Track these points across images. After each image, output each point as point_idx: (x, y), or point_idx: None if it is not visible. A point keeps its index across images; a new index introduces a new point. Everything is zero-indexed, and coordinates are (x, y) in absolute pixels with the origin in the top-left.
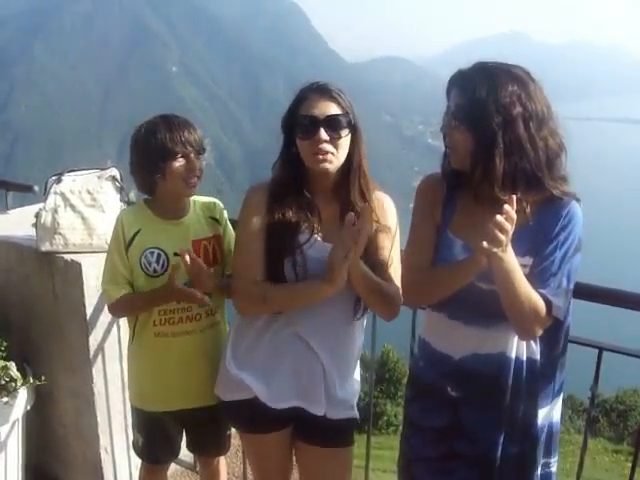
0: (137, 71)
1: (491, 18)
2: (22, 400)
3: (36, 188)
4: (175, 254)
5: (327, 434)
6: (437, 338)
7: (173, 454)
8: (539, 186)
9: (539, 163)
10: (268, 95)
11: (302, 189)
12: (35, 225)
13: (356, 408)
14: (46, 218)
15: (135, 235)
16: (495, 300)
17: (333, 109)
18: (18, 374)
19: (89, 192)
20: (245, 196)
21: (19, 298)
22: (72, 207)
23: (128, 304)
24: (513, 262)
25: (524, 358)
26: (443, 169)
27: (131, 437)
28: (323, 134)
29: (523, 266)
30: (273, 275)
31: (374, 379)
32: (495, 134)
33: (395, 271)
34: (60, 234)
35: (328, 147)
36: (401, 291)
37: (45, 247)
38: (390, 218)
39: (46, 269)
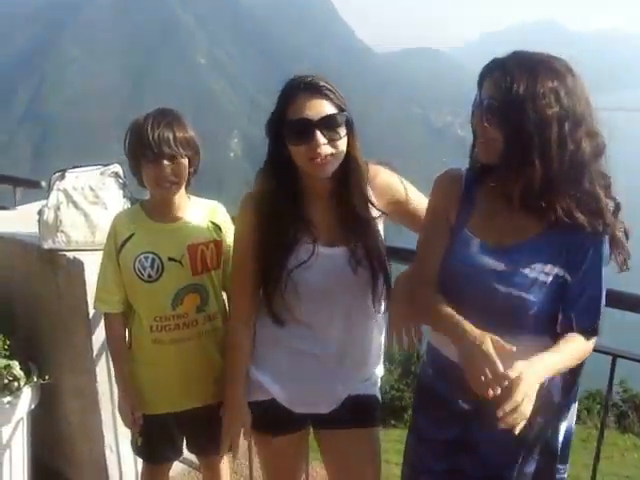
0: (165, 64)
1: (522, 6)
2: (26, 399)
3: (43, 184)
4: (170, 259)
5: (349, 415)
6: (446, 345)
7: (173, 454)
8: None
9: (563, 170)
10: None
11: (295, 197)
12: (38, 222)
13: (378, 389)
14: (48, 215)
15: (127, 240)
16: (517, 306)
17: (327, 108)
18: (21, 373)
19: (92, 189)
20: (238, 210)
21: (24, 295)
22: (75, 204)
23: (108, 336)
24: (547, 370)
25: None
26: (471, 162)
27: None
28: (320, 138)
29: (545, 274)
30: (273, 293)
31: (399, 373)
32: (531, 136)
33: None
34: (62, 232)
35: (327, 150)
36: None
37: (47, 245)
38: (397, 190)
39: (49, 267)
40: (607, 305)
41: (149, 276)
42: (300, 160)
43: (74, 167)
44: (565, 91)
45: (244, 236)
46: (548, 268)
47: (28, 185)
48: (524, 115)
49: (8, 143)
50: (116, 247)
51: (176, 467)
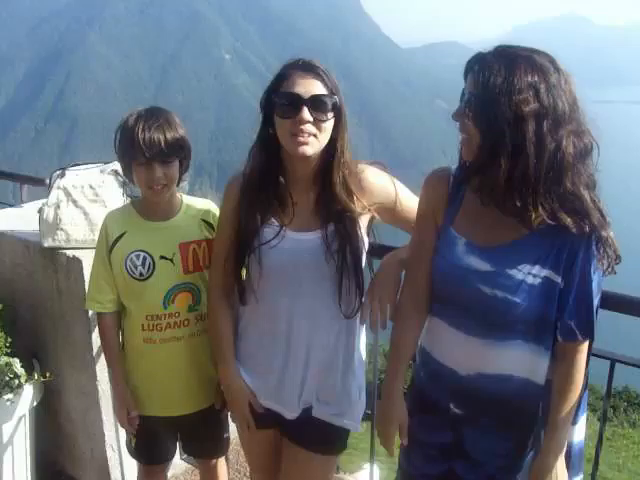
0: (190, 59)
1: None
2: (28, 396)
3: (48, 181)
4: (161, 257)
5: (313, 436)
6: (438, 348)
7: (168, 455)
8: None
9: (540, 170)
10: None
11: (277, 176)
12: (38, 220)
13: (355, 419)
14: (48, 213)
15: (119, 238)
16: (502, 309)
17: (318, 88)
18: (22, 370)
19: (91, 187)
20: (224, 193)
21: (26, 293)
22: (74, 202)
23: (101, 337)
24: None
25: (542, 382)
26: (459, 160)
27: None
28: (306, 114)
29: (533, 276)
30: (239, 270)
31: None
32: (503, 133)
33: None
34: (62, 229)
35: (310, 129)
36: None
37: (47, 243)
38: (387, 190)
39: (50, 265)
40: (606, 308)
41: (140, 274)
42: (283, 134)
43: (74, 165)
44: (546, 87)
45: (223, 214)
46: (536, 270)
47: (33, 182)
48: (498, 110)
49: (35, 139)
50: (107, 246)
51: (180, 466)
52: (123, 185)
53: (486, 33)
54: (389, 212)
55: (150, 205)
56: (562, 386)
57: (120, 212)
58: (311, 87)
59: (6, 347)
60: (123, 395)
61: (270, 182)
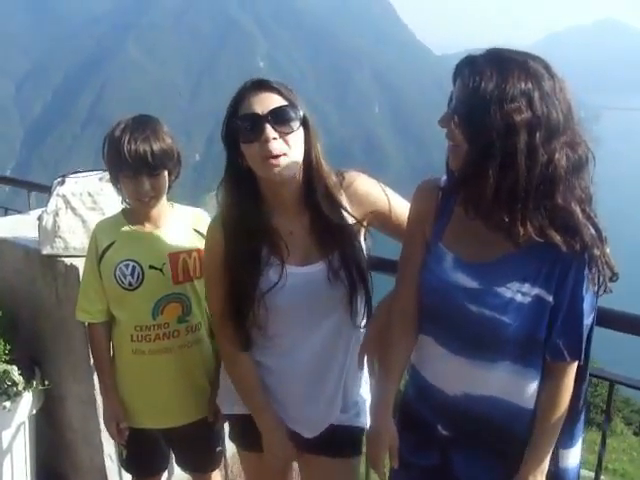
0: (225, 66)
1: (588, 5)
2: (26, 404)
3: None
4: (151, 267)
5: (334, 443)
6: (426, 366)
7: (160, 468)
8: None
9: (531, 183)
10: (355, 87)
11: (260, 212)
12: (38, 228)
13: (364, 416)
14: (47, 221)
15: (108, 247)
16: (490, 328)
17: (276, 101)
18: (20, 378)
19: (90, 194)
20: (205, 242)
21: (28, 300)
22: (73, 210)
23: (91, 347)
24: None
25: (532, 406)
26: (446, 169)
27: None
28: (270, 131)
29: (523, 294)
30: (239, 321)
31: None
32: (492, 143)
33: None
34: (60, 237)
35: (279, 146)
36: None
37: (46, 250)
38: (378, 198)
39: (50, 272)
40: (602, 325)
41: (129, 284)
42: (254, 162)
43: (75, 172)
44: (540, 95)
45: (210, 269)
46: (526, 288)
47: (41, 190)
48: (488, 119)
49: (72, 146)
50: (97, 255)
51: (182, 476)
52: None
53: (521, 40)
54: (382, 220)
55: (139, 214)
56: (546, 406)
57: (109, 221)
58: (268, 102)
59: (5, 354)
60: (113, 406)
61: (255, 217)
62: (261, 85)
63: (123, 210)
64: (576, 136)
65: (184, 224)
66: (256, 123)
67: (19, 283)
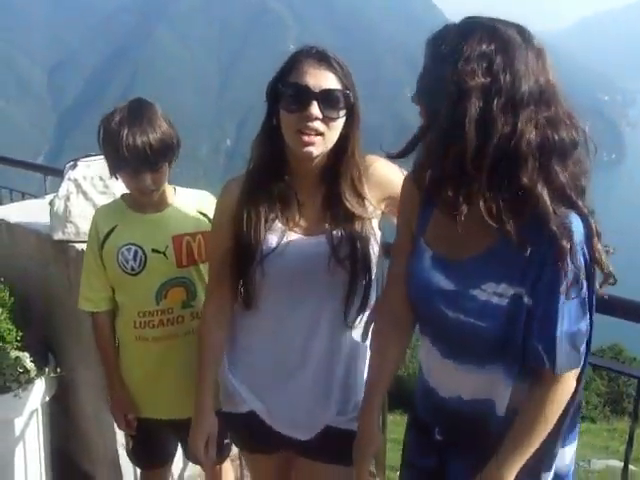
0: (256, 50)
1: None
2: (39, 391)
3: None
4: (153, 250)
5: (329, 447)
6: (425, 366)
7: (165, 459)
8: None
9: (484, 156)
10: (386, 72)
11: (280, 173)
12: (49, 213)
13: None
14: (59, 206)
15: (110, 233)
16: (466, 333)
17: (331, 82)
18: (32, 365)
19: (101, 179)
20: (219, 196)
21: (39, 286)
22: (84, 194)
23: (95, 336)
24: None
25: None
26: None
27: None
28: (315, 110)
29: (499, 296)
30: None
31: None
32: (436, 112)
33: None
34: (72, 222)
35: (318, 126)
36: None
37: (58, 235)
38: (397, 183)
39: (62, 257)
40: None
41: (132, 269)
42: (287, 130)
43: (86, 156)
44: (505, 60)
45: (218, 221)
46: (502, 288)
47: (56, 174)
48: (440, 84)
49: None
50: (98, 242)
51: (196, 466)
52: None
53: (551, 26)
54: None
55: (141, 200)
56: (529, 414)
57: (109, 207)
58: (323, 80)
59: (17, 341)
60: (120, 397)
61: (273, 179)
62: (322, 58)
63: (122, 195)
64: (565, 116)
65: (188, 206)
66: (304, 96)
67: (32, 269)
